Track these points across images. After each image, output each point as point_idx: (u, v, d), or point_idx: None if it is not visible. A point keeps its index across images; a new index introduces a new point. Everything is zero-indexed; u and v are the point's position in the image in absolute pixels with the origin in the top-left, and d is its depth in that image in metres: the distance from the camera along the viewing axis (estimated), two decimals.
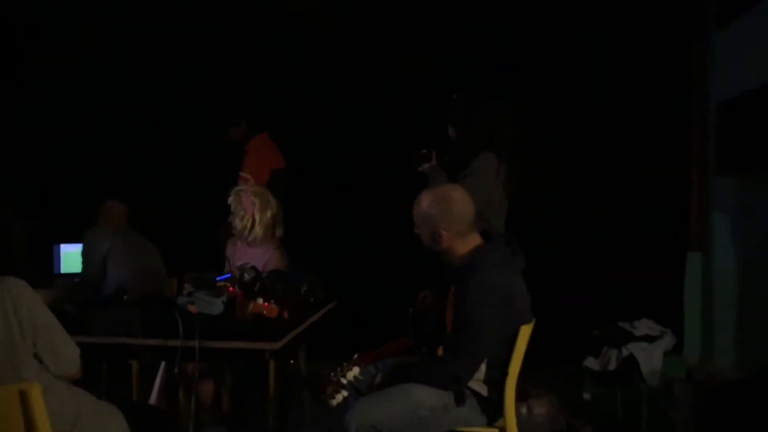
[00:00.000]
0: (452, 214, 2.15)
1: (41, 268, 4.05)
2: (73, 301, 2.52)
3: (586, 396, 3.31)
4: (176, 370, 2.03)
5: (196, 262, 3.25)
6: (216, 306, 2.08)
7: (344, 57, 4.26)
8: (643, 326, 3.30)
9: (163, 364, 2.86)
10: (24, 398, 1.48)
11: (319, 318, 2.51)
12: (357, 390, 2.10)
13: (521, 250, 2.24)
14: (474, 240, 2.21)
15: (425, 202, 2.19)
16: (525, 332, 2.16)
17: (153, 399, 2.86)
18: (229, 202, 3.16)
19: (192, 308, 2.05)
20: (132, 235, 3.35)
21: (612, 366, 3.21)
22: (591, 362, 3.29)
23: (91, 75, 4.41)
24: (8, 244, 1.64)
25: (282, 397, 2.22)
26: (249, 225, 3.08)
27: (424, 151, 2.91)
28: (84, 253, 3.25)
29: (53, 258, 4.22)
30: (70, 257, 4.20)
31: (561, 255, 3.79)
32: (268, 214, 3.10)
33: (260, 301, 2.11)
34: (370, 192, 4.19)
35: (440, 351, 2.22)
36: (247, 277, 2.53)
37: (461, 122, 2.88)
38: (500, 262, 2.15)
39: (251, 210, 3.09)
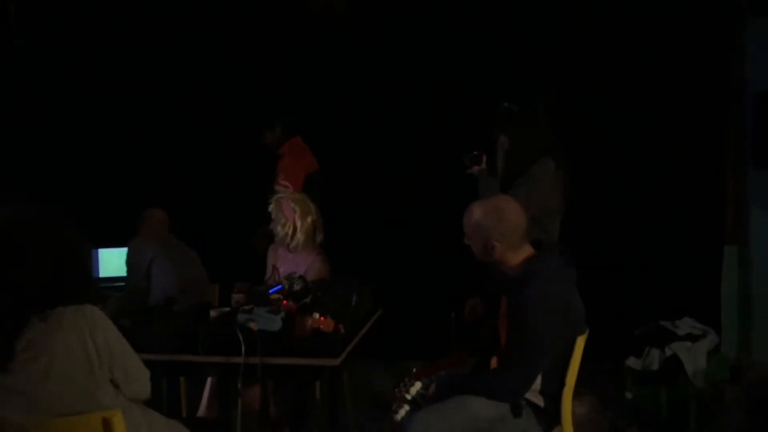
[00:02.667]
0: (505, 226, 2.14)
1: None
2: (127, 315, 2.55)
3: (629, 395, 3.30)
4: (240, 387, 2.03)
5: (234, 267, 3.28)
6: (276, 322, 2.09)
7: (382, 56, 4.20)
8: (686, 325, 3.28)
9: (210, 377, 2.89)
10: (107, 426, 1.51)
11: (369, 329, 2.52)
12: (419, 405, 2.10)
13: (573, 260, 2.22)
14: (526, 251, 2.19)
15: (477, 213, 2.17)
16: (580, 343, 2.15)
17: (201, 411, 2.89)
18: (269, 209, 3.18)
19: (253, 325, 2.06)
20: (174, 242, 3.37)
21: (655, 366, 3.20)
22: (633, 362, 3.28)
23: (130, 81, 4.42)
24: (84, 273, 1.65)
25: (332, 404, 2.23)
26: (290, 232, 3.10)
27: (475, 152, 2.89)
28: (128, 263, 3.28)
29: (93, 262, 4.28)
30: (109, 261, 4.26)
31: (598, 253, 3.76)
32: (309, 220, 3.12)
33: (317, 315, 2.12)
34: (408, 195, 4.17)
35: (494, 362, 2.22)
36: (296, 287, 2.55)
37: (515, 130, 2.85)
38: (554, 273, 2.14)
39: (292, 217, 3.10)
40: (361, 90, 4.25)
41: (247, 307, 2.15)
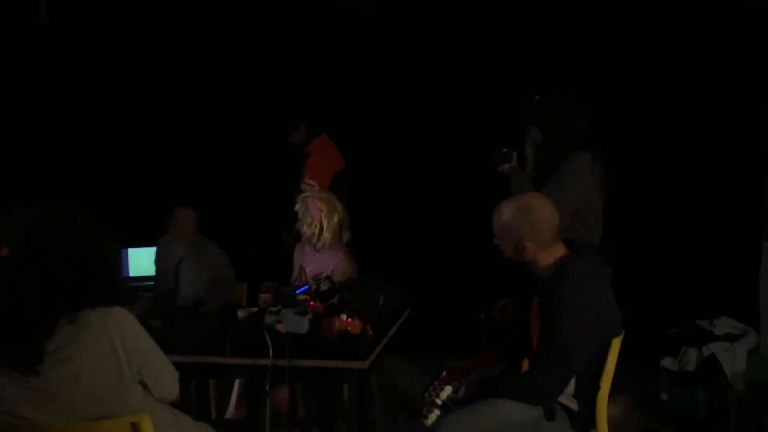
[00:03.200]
0: (536, 225, 2.07)
1: None
2: (157, 316, 2.55)
3: (664, 396, 3.20)
4: (267, 389, 2.01)
5: (262, 267, 3.27)
6: (303, 324, 2.06)
7: (409, 52, 4.14)
8: (724, 324, 3.16)
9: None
10: (135, 429, 1.50)
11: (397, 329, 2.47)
12: (449, 410, 2.05)
13: (609, 259, 2.14)
14: (559, 250, 2.12)
15: (507, 212, 2.11)
16: (616, 345, 2.08)
17: (230, 413, 2.89)
18: (296, 208, 3.16)
19: (281, 327, 2.04)
20: (203, 242, 3.37)
21: (691, 366, 3.09)
22: (668, 362, 3.17)
23: (160, 78, 4.44)
24: (112, 275, 1.65)
25: (361, 406, 2.19)
26: (317, 231, 3.08)
27: (504, 150, 2.78)
28: (157, 262, 3.29)
29: (122, 262, 4.32)
30: (138, 261, 4.29)
31: (633, 249, 3.65)
32: (335, 219, 3.09)
33: (344, 317, 2.08)
34: (437, 193, 4.11)
35: (525, 364, 2.16)
36: (323, 287, 2.52)
37: (549, 123, 2.73)
38: (588, 273, 2.07)
39: (318, 216, 3.08)
40: (388, 87, 4.20)
41: (274, 309, 2.12)
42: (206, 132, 4.47)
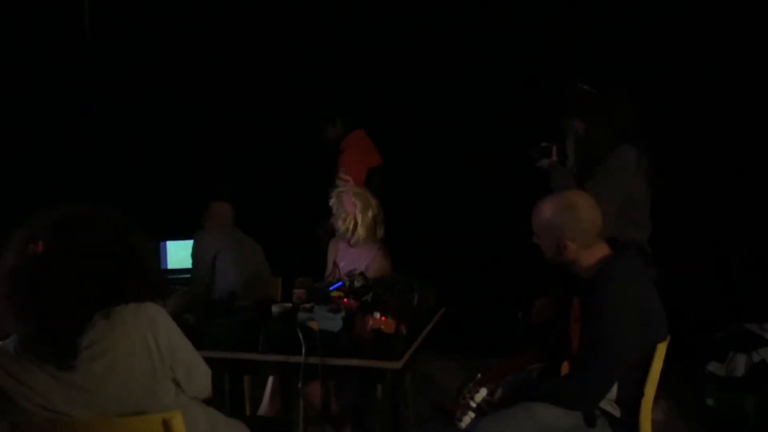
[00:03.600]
0: (579, 223, 1.98)
1: None
2: (191, 310, 2.56)
3: (710, 403, 3.06)
4: (299, 386, 1.98)
5: (297, 261, 3.25)
6: (336, 322, 2.03)
7: (447, 46, 4.05)
8: None
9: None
10: (167, 427, 1.48)
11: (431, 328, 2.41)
12: (485, 412, 1.98)
13: (653, 259, 2.04)
14: (601, 250, 2.03)
15: (547, 210, 2.02)
16: (661, 350, 1.98)
17: (263, 409, 2.88)
18: (330, 203, 3.13)
19: (314, 325, 2.00)
20: (239, 236, 3.38)
21: (740, 372, 2.95)
22: (715, 367, 3.03)
23: (197, 74, 4.47)
24: (144, 271, 1.63)
25: (394, 406, 2.14)
26: (351, 227, 3.05)
27: (543, 144, 2.66)
28: (193, 256, 3.31)
29: (161, 254, 4.38)
30: (177, 253, 4.34)
31: (678, 249, 3.50)
32: (370, 214, 3.05)
33: (377, 315, 2.04)
34: (474, 189, 4.02)
35: (564, 367, 2.08)
36: (357, 284, 2.48)
37: (594, 114, 2.60)
38: (632, 274, 1.97)
39: (353, 211, 3.04)
40: (426, 81, 4.12)
41: (307, 306, 2.09)
42: (244, 127, 4.49)
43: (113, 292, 1.55)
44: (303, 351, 1.94)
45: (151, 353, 1.55)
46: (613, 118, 2.56)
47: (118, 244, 1.59)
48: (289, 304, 2.68)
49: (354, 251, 3.11)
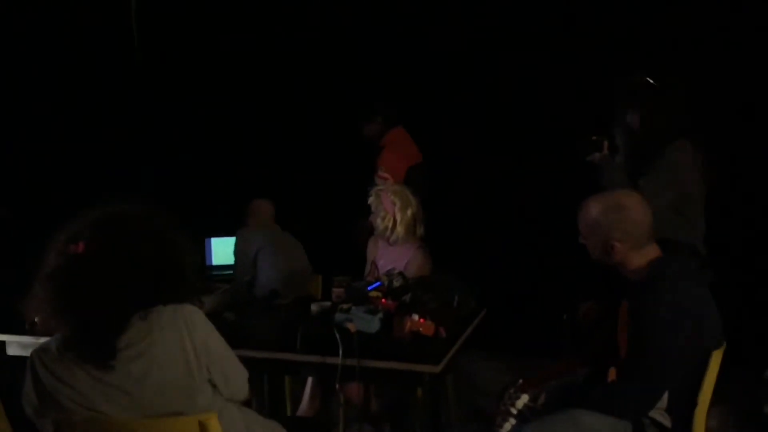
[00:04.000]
0: (627, 224, 1.88)
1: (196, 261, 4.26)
2: (232, 308, 2.57)
3: (767, 410, 2.88)
4: (337, 387, 1.95)
5: (337, 258, 3.23)
6: (374, 324, 1.99)
7: (489, 38, 3.94)
8: None
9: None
10: (203, 428, 1.47)
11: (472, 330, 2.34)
12: (527, 419, 1.91)
13: (708, 261, 1.92)
14: (652, 251, 1.92)
15: (595, 209, 1.93)
16: (716, 357, 1.86)
17: (303, 408, 2.87)
18: (369, 201, 3.09)
19: (351, 326, 1.97)
20: (281, 234, 3.37)
21: None
22: None
23: (237, 74, 4.50)
24: (182, 272, 1.63)
25: (434, 410, 2.08)
26: (390, 225, 3.00)
27: (594, 138, 2.54)
28: (236, 253, 3.32)
29: (205, 251, 4.44)
30: (221, 250, 4.39)
31: (733, 249, 3.31)
32: (409, 213, 2.99)
33: (416, 317, 1.98)
34: (517, 187, 3.89)
35: (611, 374, 1.98)
36: (395, 284, 2.44)
37: (649, 107, 2.46)
38: (684, 277, 1.86)
39: (391, 210, 3.00)
40: (468, 76, 4.01)
41: (345, 306, 2.06)
42: (286, 124, 4.49)
43: (151, 293, 1.55)
44: (340, 352, 1.91)
45: (187, 355, 1.55)
46: (670, 112, 2.42)
47: (157, 246, 1.59)
48: (328, 303, 2.66)
49: (393, 250, 3.07)
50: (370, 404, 2.96)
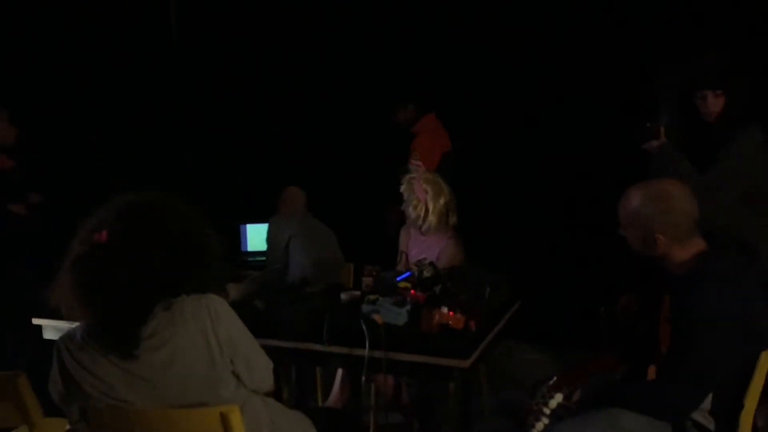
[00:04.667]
0: (671, 215, 1.76)
1: (231, 247, 4.27)
2: (262, 297, 2.54)
3: None
4: (363, 379, 1.90)
5: (368, 246, 3.17)
6: (401, 316, 1.92)
7: (527, 22, 3.79)
8: None
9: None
10: (224, 421, 1.44)
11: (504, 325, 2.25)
12: (560, 418, 1.82)
13: (759, 257, 1.78)
14: (696, 245, 1.80)
15: (637, 199, 1.81)
16: (765, 359, 1.72)
17: (333, 398, 2.84)
18: (401, 190, 3.01)
19: (378, 318, 1.91)
20: (313, 222, 3.33)
21: None
22: None
23: (268, 62, 4.47)
24: (206, 261, 1.60)
25: (463, 404, 2.00)
26: (422, 214, 2.92)
27: (649, 124, 2.34)
28: (268, 240, 3.31)
29: (240, 237, 4.46)
30: (256, 236, 4.40)
31: None
32: (441, 201, 2.91)
33: (445, 310, 1.91)
34: (551, 174, 3.76)
35: (651, 371, 1.87)
36: (426, 274, 2.36)
37: (735, 87, 2.24)
38: (732, 273, 1.73)
39: (424, 198, 2.92)
40: (503, 62, 3.87)
41: (372, 297, 1.99)
42: (317, 111, 4.44)
43: (175, 283, 1.52)
44: (366, 344, 1.85)
45: (210, 345, 1.51)
46: (744, 96, 2.22)
47: (180, 234, 1.56)
48: (358, 292, 2.60)
49: (425, 239, 2.99)
50: (401, 394, 2.91)
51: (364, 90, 4.25)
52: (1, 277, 2.76)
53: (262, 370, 1.64)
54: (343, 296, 2.59)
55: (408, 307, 1.93)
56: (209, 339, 1.51)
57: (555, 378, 1.84)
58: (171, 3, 4.44)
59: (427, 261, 2.48)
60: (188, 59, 4.51)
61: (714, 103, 2.28)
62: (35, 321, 2.43)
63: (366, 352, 1.85)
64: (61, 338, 1.55)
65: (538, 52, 3.76)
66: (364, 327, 1.88)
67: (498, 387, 3.03)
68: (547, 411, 1.77)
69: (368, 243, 3.39)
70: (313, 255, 3.16)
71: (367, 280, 2.62)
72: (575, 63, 3.65)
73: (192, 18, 4.48)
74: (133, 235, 1.50)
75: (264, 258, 3.57)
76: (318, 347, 1.96)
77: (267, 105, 4.56)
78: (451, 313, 1.90)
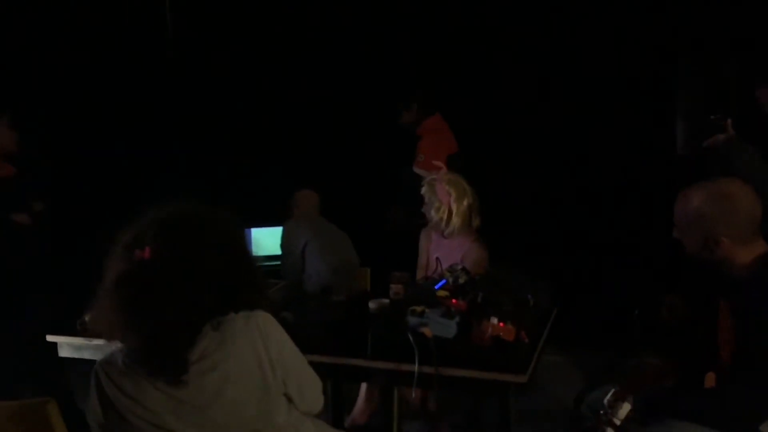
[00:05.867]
0: (735, 216, 1.68)
1: None
2: (287, 307, 2.41)
3: None
4: (413, 396, 1.78)
5: (373, 249, 3.05)
6: (451, 328, 1.80)
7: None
8: None
9: None
10: None
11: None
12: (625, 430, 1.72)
13: None
14: (759, 247, 1.72)
15: (698, 199, 1.72)
16: None
17: (358, 410, 2.72)
18: (422, 192, 2.90)
19: (427, 331, 1.79)
20: (327, 225, 3.21)
21: None
22: None
23: (276, 64, 4.33)
24: (254, 275, 1.47)
25: (505, 411, 1.90)
26: (445, 217, 2.81)
27: (713, 117, 2.17)
28: (283, 246, 3.18)
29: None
30: (262, 240, 4.25)
31: None
32: (465, 203, 2.80)
33: (495, 321, 1.80)
34: (575, 172, 3.64)
35: (709, 379, 1.78)
36: (461, 280, 2.25)
37: None
38: None
39: (447, 200, 2.80)
40: (511, 52, 3.75)
41: (418, 309, 1.87)
42: (321, 114, 4.31)
43: (223, 299, 1.40)
44: (416, 359, 1.73)
45: (263, 367, 1.39)
46: None
47: (227, 248, 1.43)
48: (386, 300, 2.49)
49: (447, 242, 2.88)
50: (428, 403, 2.80)
51: (369, 90, 4.12)
52: (7, 294, 2.59)
53: (313, 390, 1.53)
54: (372, 305, 2.46)
55: (457, 318, 1.82)
56: (261, 360, 1.39)
57: (616, 388, 1.73)
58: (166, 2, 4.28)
59: (460, 266, 2.37)
60: (190, 59, 4.36)
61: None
62: (50, 338, 2.27)
63: (416, 367, 1.73)
64: (99, 364, 1.41)
65: (556, 43, 3.65)
66: (412, 341, 1.76)
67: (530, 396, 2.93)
68: (617, 422, 1.67)
69: (373, 245, 3.27)
70: (331, 260, 3.04)
71: (396, 288, 2.50)
72: (599, 51, 3.52)
73: (194, 16, 4.32)
74: (177, 251, 1.37)
75: (272, 263, 3.44)
76: (361, 362, 1.83)
77: (271, 106, 4.42)
78: (501, 324, 1.80)
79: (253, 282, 1.47)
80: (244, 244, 1.49)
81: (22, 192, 2.85)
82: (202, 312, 1.37)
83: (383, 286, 2.39)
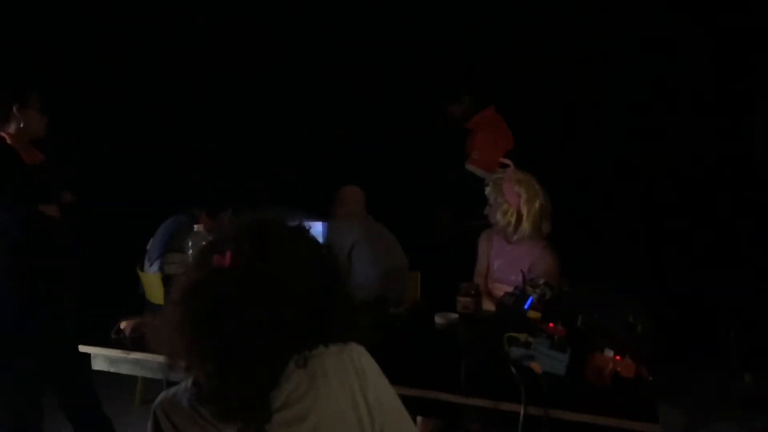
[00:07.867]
0: None
1: None
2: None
3: None
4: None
5: (419, 252, 2.76)
6: (562, 364, 1.51)
7: None
8: None
9: None
10: None
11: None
12: None
13: None
14: None
15: None
16: None
17: None
18: (486, 193, 2.60)
19: (536, 366, 1.49)
20: (374, 226, 2.91)
21: None
22: None
23: (318, 60, 4.05)
24: (350, 302, 1.19)
25: None
26: (513, 220, 2.50)
27: None
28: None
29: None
30: None
31: None
32: (537, 205, 2.50)
33: (611, 353, 1.50)
34: (644, 173, 3.34)
35: None
36: (547, 296, 1.96)
37: None
38: None
39: (516, 202, 2.50)
40: (571, 41, 3.44)
41: (522, 338, 1.58)
42: (363, 107, 4.02)
43: (314, 328, 1.11)
44: (523, 399, 1.44)
45: (360, 414, 1.11)
46: None
47: (320, 266, 1.15)
48: (455, 315, 2.21)
49: (512, 249, 2.58)
50: None
51: (406, 85, 3.82)
52: (34, 293, 2.31)
53: None
54: (438, 320, 2.19)
55: (569, 351, 1.53)
56: (358, 405, 1.11)
57: None
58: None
59: (541, 280, 2.08)
60: (225, 52, 4.08)
61: None
62: (82, 348, 1.99)
63: (522, 408, 1.44)
64: (160, 404, 1.12)
65: (629, 37, 3.33)
66: (517, 376, 1.47)
67: None
68: None
69: (419, 248, 2.99)
70: (381, 264, 2.74)
71: (464, 301, 2.22)
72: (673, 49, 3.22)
73: (222, 15, 4.05)
74: (264, 261, 1.08)
75: None
76: (451, 398, 1.54)
77: (310, 102, 4.14)
78: (617, 357, 1.50)
79: (348, 309, 1.18)
80: (336, 264, 1.20)
81: (51, 182, 2.57)
82: (289, 341, 1.08)
83: (430, 292, 2.11)
